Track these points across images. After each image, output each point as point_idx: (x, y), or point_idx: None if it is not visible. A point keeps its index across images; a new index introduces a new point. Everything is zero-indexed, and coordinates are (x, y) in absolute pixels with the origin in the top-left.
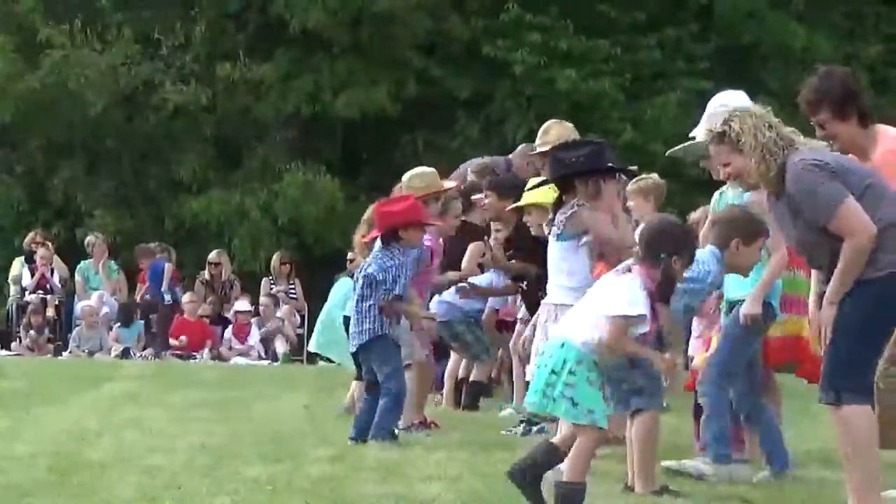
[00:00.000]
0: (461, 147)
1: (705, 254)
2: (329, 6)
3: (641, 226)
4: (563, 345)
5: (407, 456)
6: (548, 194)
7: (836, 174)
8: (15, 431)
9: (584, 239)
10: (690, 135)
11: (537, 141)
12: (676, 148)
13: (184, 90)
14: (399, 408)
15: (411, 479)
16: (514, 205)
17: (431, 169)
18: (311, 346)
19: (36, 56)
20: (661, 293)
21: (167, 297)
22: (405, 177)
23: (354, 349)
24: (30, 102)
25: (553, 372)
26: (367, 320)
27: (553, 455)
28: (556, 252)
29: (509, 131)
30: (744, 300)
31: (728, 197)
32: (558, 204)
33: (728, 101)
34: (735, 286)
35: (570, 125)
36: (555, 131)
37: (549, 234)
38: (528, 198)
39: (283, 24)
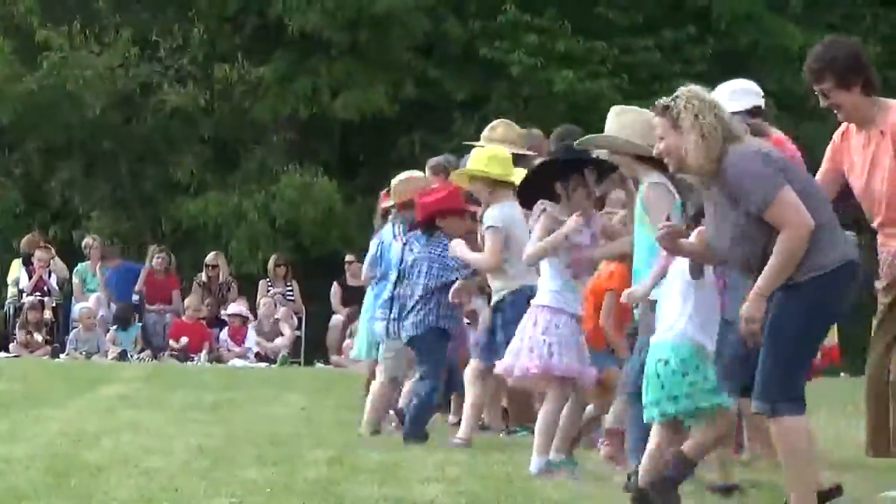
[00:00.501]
0: (458, 148)
1: None
2: (327, 8)
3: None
4: (673, 346)
5: (405, 458)
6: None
7: (777, 164)
8: (12, 433)
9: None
10: None
11: (482, 138)
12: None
13: (181, 92)
14: (431, 406)
15: (409, 481)
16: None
17: (417, 172)
18: (356, 353)
19: (34, 58)
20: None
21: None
22: (394, 181)
23: (408, 338)
24: (27, 104)
25: (682, 374)
26: (422, 310)
27: (685, 464)
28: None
29: None
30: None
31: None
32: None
33: (743, 87)
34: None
35: (516, 127)
36: (500, 130)
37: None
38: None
39: (280, 26)
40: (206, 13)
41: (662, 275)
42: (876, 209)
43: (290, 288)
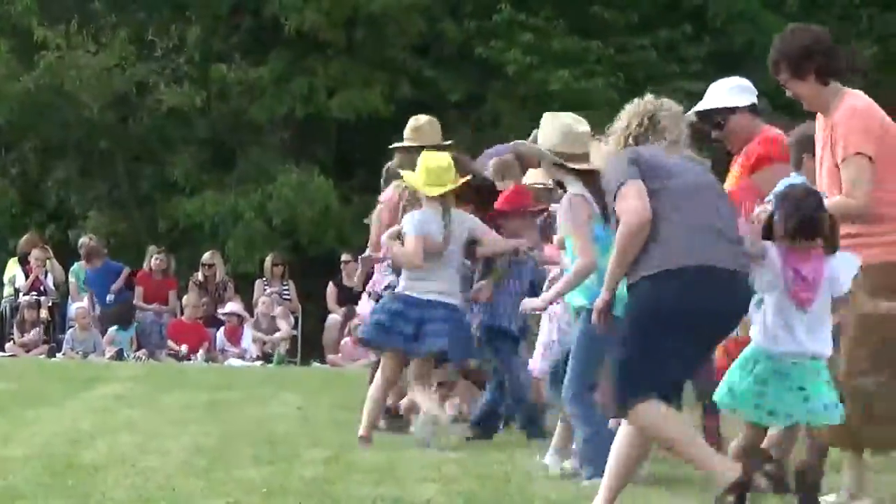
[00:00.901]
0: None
1: None
2: (323, 8)
3: None
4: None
5: (401, 457)
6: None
7: (637, 162)
8: (8, 433)
9: None
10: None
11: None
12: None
13: (178, 91)
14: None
15: (405, 481)
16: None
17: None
18: None
19: (31, 57)
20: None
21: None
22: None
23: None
24: (24, 103)
25: (801, 388)
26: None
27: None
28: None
29: (502, 131)
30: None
31: None
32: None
33: (739, 85)
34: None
35: (438, 126)
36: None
37: None
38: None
39: (277, 26)
40: (202, 13)
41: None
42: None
43: (286, 287)
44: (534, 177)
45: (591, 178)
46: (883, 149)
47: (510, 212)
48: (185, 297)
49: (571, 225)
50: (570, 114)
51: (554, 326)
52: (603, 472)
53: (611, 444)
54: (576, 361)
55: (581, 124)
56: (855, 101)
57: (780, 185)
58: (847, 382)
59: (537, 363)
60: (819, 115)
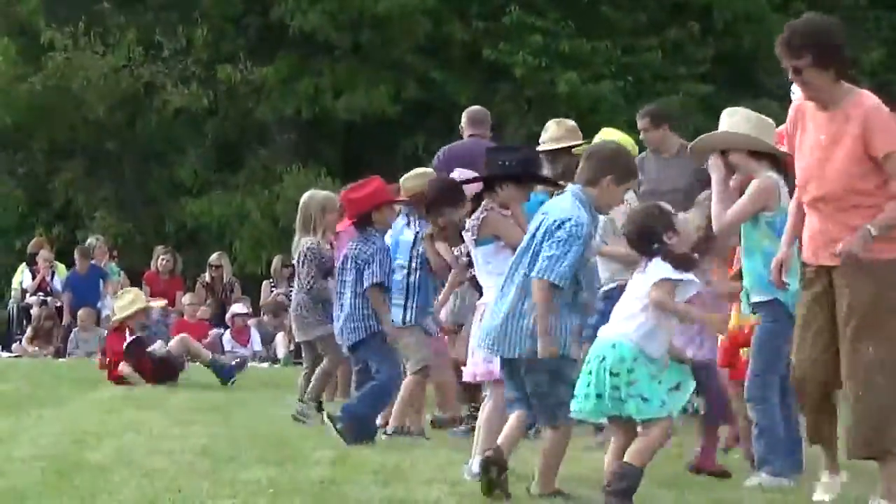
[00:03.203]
0: None
1: (567, 201)
2: (329, 9)
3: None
4: (614, 345)
5: (408, 459)
6: None
7: None
8: (15, 433)
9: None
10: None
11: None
12: (695, 142)
13: (185, 93)
14: (382, 399)
15: (412, 483)
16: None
17: (427, 169)
18: None
19: (38, 58)
20: (675, 265)
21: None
22: (402, 179)
23: (351, 343)
24: (32, 105)
25: (613, 374)
26: (362, 315)
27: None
28: (479, 256)
29: (509, 134)
30: (765, 302)
31: None
32: (476, 201)
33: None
34: (757, 289)
35: (570, 123)
36: (552, 129)
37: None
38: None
39: (283, 27)
40: (209, 14)
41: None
42: (824, 193)
43: (293, 289)
44: None
45: (782, 168)
46: None
47: (378, 204)
48: (186, 296)
49: (756, 197)
50: (743, 108)
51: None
52: (778, 472)
53: (786, 443)
54: (759, 356)
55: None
56: (869, 99)
57: None
58: None
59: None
60: (803, 106)
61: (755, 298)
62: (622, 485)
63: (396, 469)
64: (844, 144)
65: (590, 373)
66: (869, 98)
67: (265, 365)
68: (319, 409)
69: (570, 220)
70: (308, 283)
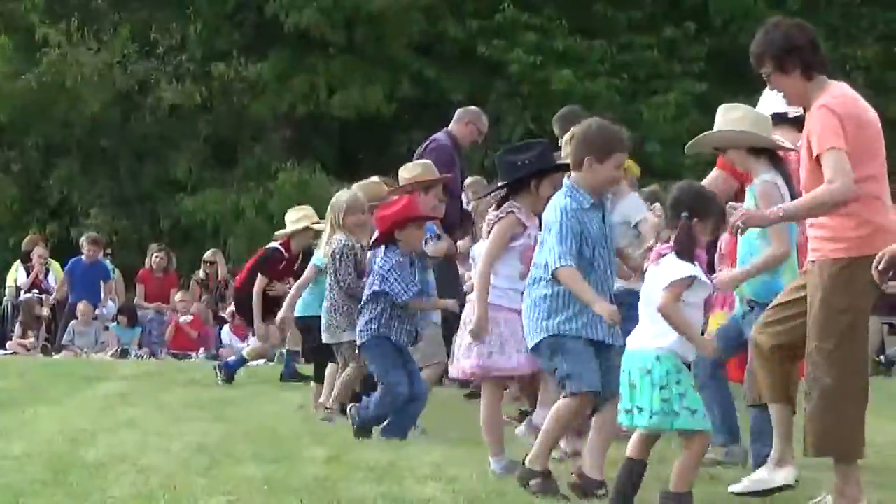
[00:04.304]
0: None
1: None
2: (323, 6)
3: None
4: (658, 357)
5: (403, 456)
6: None
7: None
8: (9, 431)
9: (517, 242)
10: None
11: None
12: (693, 141)
13: (180, 89)
14: (392, 403)
15: (407, 480)
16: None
17: (426, 161)
18: None
19: (33, 55)
20: (677, 251)
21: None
22: (401, 170)
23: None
24: (27, 101)
25: (662, 387)
26: (368, 319)
27: (640, 469)
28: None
29: (504, 131)
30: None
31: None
32: (500, 204)
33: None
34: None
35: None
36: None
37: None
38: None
39: (278, 24)
40: (204, 11)
41: (759, 271)
42: (803, 187)
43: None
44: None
45: (781, 164)
46: (856, 144)
47: (405, 221)
48: (178, 294)
49: (762, 205)
50: (740, 104)
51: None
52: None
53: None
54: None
55: (763, 110)
56: (830, 96)
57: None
58: None
59: (463, 363)
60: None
61: (751, 298)
62: None
63: (391, 466)
64: (805, 144)
65: (633, 386)
66: (823, 96)
67: (261, 362)
68: (343, 411)
69: (552, 211)
70: (346, 281)
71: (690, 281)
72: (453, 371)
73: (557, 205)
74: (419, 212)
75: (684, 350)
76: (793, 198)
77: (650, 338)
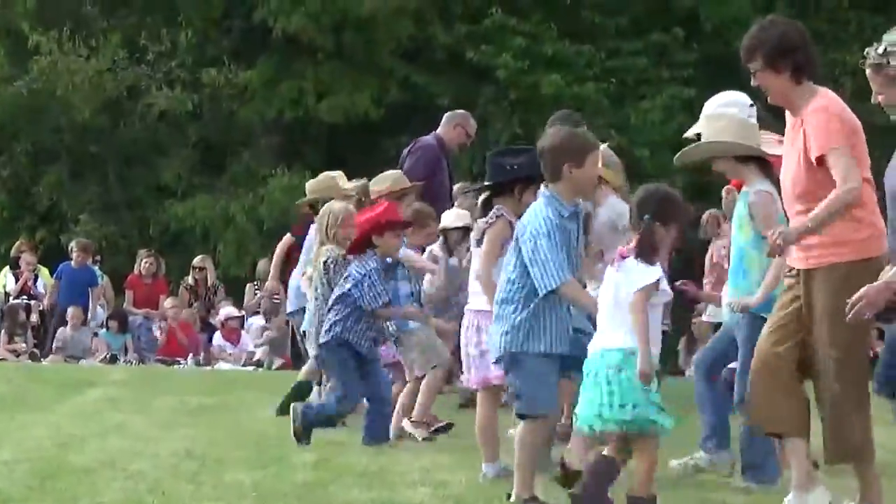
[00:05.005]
0: None
1: (534, 205)
2: (312, 12)
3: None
4: (633, 352)
5: (392, 461)
6: None
7: None
8: None
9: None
10: (685, 135)
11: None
12: (680, 154)
13: (169, 95)
14: (342, 410)
15: (396, 485)
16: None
17: (395, 172)
18: None
19: (24, 62)
20: (637, 252)
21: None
22: (371, 183)
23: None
24: (17, 107)
25: (608, 383)
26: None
27: (613, 468)
28: (477, 258)
29: (492, 136)
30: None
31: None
32: (485, 207)
33: (727, 100)
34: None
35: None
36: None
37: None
38: None
39: (266, 30)
40: (193, 18)
41: (775, 285)
42: (786, 197)
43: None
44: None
45: (771, 171)
46: (854, 147)
47: (383, 227)
48: (168, 300)
49: (764, 220)
50: (723, 111)
51: (478, 338)
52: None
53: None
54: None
55: (752, 117)
56: (826, 100)
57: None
58: None
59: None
60: (789, 117)
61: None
62: None
63: (380, 472)
64: (794, 149)
65: (608, 383)
66: (819, 99)
67: (250, 368)
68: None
69: (527, 225)
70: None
71: (657, 284)
72: (465, 379)
73: (540, 216)
74: (397, 218)
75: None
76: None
77: (620, 336)
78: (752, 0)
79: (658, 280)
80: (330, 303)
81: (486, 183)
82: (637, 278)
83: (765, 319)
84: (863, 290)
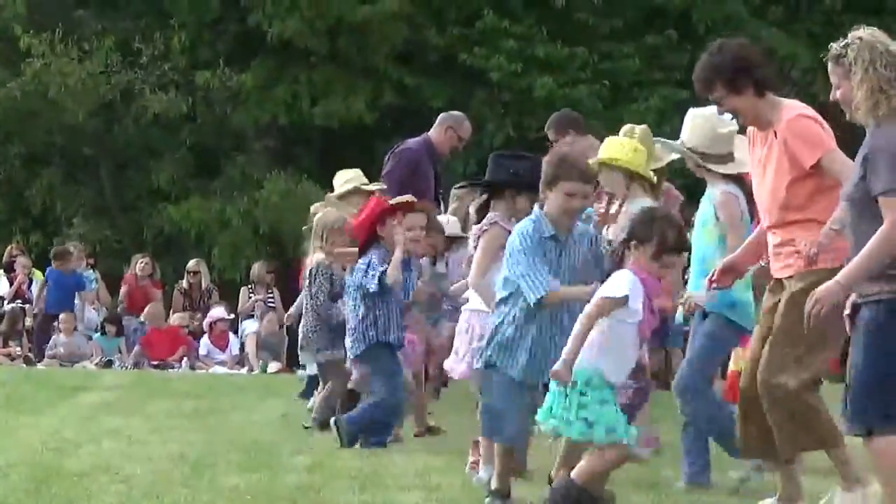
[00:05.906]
0: None
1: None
2: (306, 16)
3: None
4: (582, 369)
5: (386, 464)
6: None
7: None
8: None
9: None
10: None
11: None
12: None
13: (163, 99)
14: (380, 412)
15: (390, 488)
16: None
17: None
18: None
19: (17, 65)
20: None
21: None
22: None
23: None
24: (10, 110)
25: (566, 395)
26: (361, 330)
27: (572, 485)
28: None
29: (486, 138)
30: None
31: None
32: (481, 212)
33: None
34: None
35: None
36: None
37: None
38: None
39: (261, 34)
40: (187, 21)
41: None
42: (764, 210)
43: (271, 295)
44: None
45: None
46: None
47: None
48: (151, 306)
49: (728, 221)
50: (713, 111)
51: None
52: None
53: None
54: (696, 357)
55: (725, 125)
56: (798, 108)
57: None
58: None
59: (462, 367)
60: (751, 131)
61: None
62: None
63: (374, 475)
64: (771, 162)
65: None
66: (790, 110)
67: (243, 371)
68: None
69: (511, 241)
70: (317, 299)
71: (624, 300)
72: (456, 374)
73: (519, 232)
74: (388, 203)
75: (610, 368)
76: (750, 213)
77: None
78: (746, 1)
79: (625, 297)
80: (349, 317)
81: (485, 179)
82: (606, 288)
83: (725, 317)
84: (814, 291)
